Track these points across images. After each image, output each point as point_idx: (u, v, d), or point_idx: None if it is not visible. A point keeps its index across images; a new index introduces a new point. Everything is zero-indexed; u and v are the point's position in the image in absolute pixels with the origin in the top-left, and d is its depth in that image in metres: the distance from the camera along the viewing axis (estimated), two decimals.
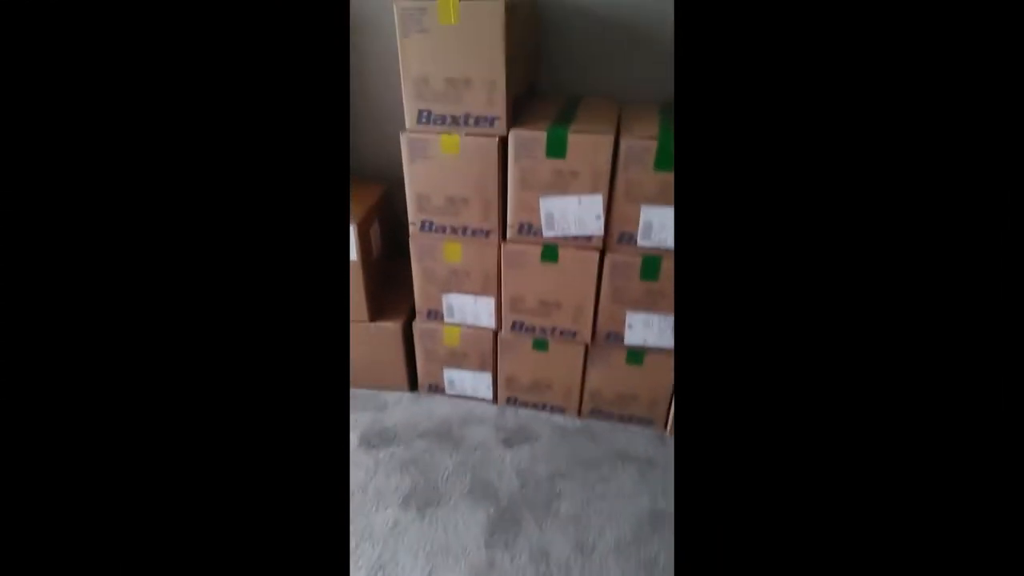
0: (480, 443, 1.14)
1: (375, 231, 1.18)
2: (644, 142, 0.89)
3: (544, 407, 1.22)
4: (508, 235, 1.02)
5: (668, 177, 0.91)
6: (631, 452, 1.13)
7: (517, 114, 0.98)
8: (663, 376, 1.11)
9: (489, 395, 1.23)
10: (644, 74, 1.16)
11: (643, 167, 0.91)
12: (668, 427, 1.17)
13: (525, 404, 1.23)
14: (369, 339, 1.20)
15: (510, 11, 0.86)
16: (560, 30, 1.15)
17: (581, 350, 1.12)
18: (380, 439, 1.15)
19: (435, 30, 0.87)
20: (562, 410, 1.21)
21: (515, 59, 0.92)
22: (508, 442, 1.15)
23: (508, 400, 1.23)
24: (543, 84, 1.20)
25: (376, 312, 1.20)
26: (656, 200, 0.93)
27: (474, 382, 1.22)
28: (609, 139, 0.90)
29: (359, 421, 1.19)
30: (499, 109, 0.91)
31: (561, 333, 1.10)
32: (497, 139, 0.94)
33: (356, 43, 1.22)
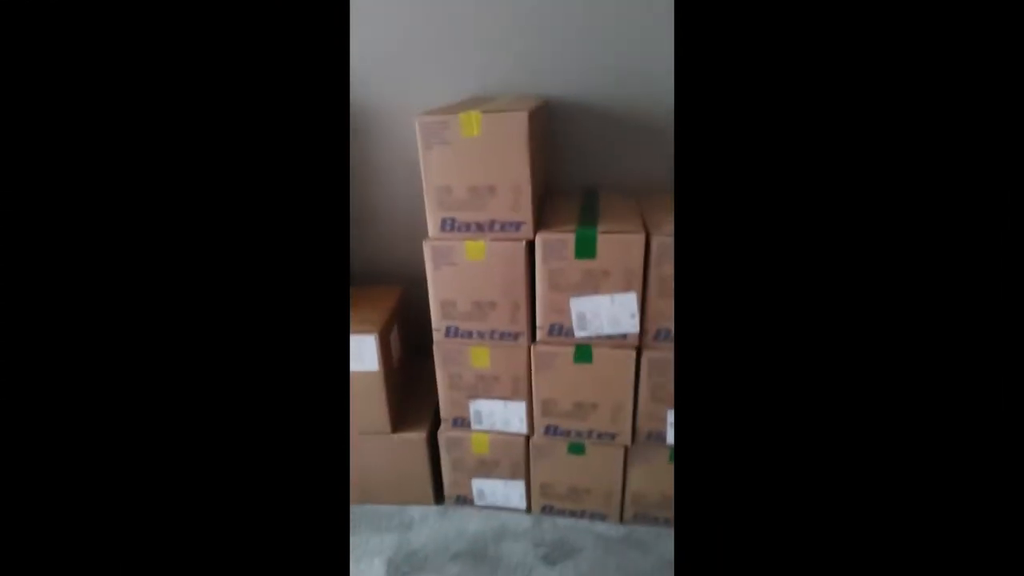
0: (519, 562, 1.05)
1: (395, 337, 1.14)
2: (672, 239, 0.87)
3: (583, 515, 1.13)
4: (538, 337, 0.98)
5: None
6: None
7: (540, 215, 0.96)
8: None
9: (522, 504, 1.15)
10: (653, 163, 1.17)
11: (672, 262, 0.88)
12: None
13: (562, 512, 1.14)
14: (392, 451, 1.12)
15: (531, 119, 0.86)
16: (569, 128, 1.17)
17: (621, 452, 1.05)
18: (410, 565, 1.05)
19: (457, 142, 0.87)
20: (603, 517, 1.12)
21: (536, 163, 0.92)
22: (549, 559, 1.05)
23: (544, 509, 1.14)
24: (556, 180, 1.21)
25: (398, 422, 1.13)
26: None
27: (506, 491, 1.14)
28: (640, 238, 0.88)
29: (385, 544, 1.10)
30: (525, 213, 0.90)
31: (599, 436, 1.04)
32: (524, 242, 0.91)
33: (373, 155, 1.23)
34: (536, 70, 1.13)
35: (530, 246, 0.92)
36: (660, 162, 1.16)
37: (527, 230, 0.91)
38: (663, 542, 1.08)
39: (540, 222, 0.94)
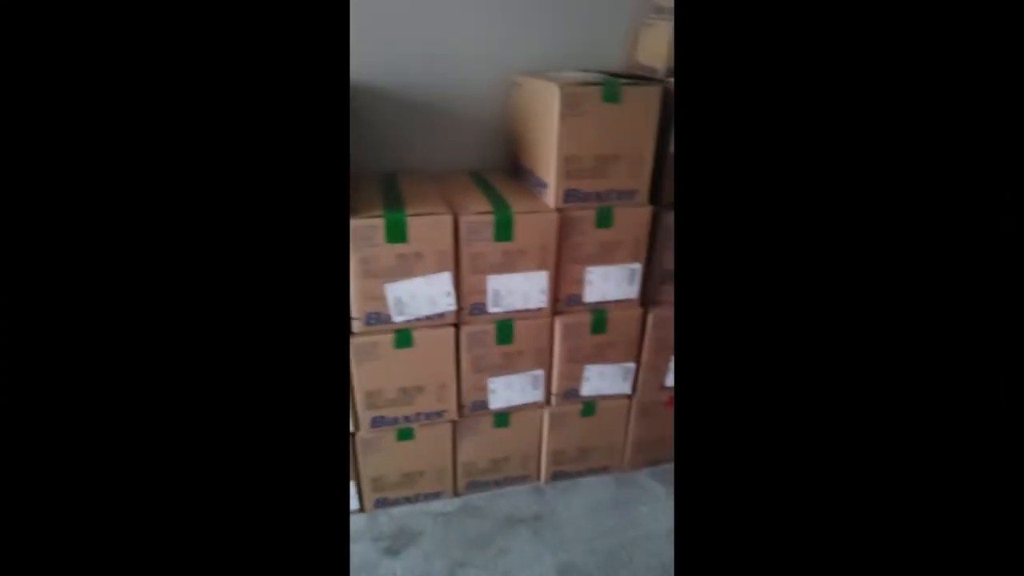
0: (361, 563, 1.01)
1: None
2: (483, 217, 0.92)
3: (418, 498, 1.14)
4: (355, 328, 0.94)
5: (508, 246, 0.95)
6: (517, 514, 1.13)
7: None
8: (531, 432, 1.15)
9: (355, 505, 1.10)
10: (449, 147, 1.21)
11: (484, 240, 0.94)
12: (542, 477, 1.20)
13: (396, 501, 1.13)
14: None
15: None
16: (365, 114, 1.13)
17: (449, 428, 1.09)
18: None
19: None
20: (437, 495, 1.15)
21: None
22: (391, 550, 1.04)
23: (377, 503, 1.12)
24: (354, 166, 1.16)
25: None
26: (499, 269, 0.97)
27: None
28: (449, 218, 0.91)
29: None
30: None
31: (427, 416, 1.05)
32: None
33: None
34: None
35: None
36: (457, 146, 1.21)
37: None
38: (497, 503, 1.15)
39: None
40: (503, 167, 1.23)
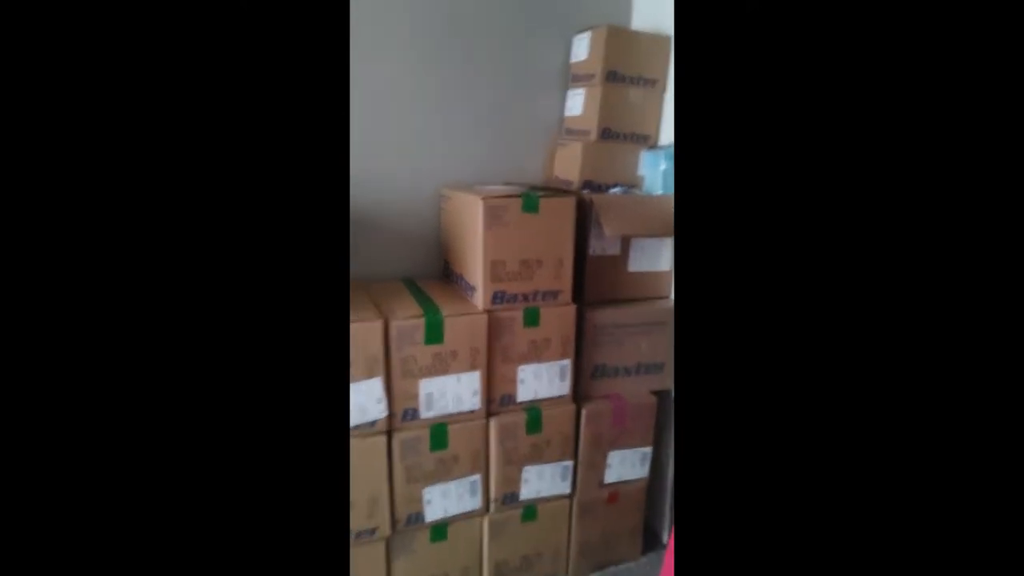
0: None
1: None
2: (412, 321, 0.94)
3: None
4: None
5: (438, 349, 0.96)
6: None
7: None
8: (470, 543, 1.09)
9: None
10: (380, 255, 1.24)
11: (415, 344, 0.95)
12: None
13: None
14: None
15: None
16: None
17: (382, 547, 1.01)
18: None
19: None
20: None
21: None
22: None
23: None
24: None
25: None
26: (431, 372, 0.97)
27: None
28: (378, 324, 0.91)
29: None
30: None
31: (357, 535, 0.98)
32: None
33: None
34: None
35: None
36: (390, 255, 1.24)
37: None
38: None
39: None
40: (435, 274, 1.27)
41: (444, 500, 1.04)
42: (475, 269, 1.00)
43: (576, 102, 1.26)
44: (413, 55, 1.18)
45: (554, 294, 1.03)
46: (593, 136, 1.20)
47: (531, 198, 0.98)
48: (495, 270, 0.98)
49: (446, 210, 1.18)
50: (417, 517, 1.03)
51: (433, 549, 1.06)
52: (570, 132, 1.29)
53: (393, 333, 0.93)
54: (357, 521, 0.97)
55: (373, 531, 0.99)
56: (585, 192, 1.15)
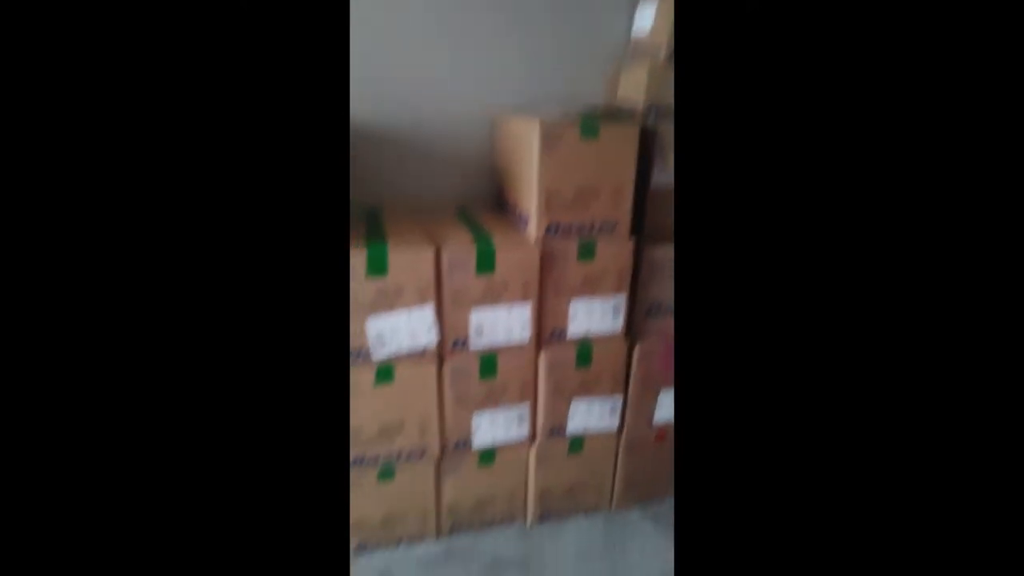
0: None
1: None
2: (464, 250, 0.92)
3: (399, 543, 1.09)
4: None
5: (490, 279, 0.94)
6: (503, 558, 1.08)
7: None
8: (516, 471, 1.11)
9: None
10: (431, 182, 1.21)
11: (466, 273, 0.93)
12: (529, 519, 1.16)
13: (377, 547, 1.08)
14: None
15: None
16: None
17: (431, 467, 1.05)
18: None
19: None
20: (420, 538, 1.10)
21: None
22: None
23: (358, 548, 1.07)
24: None
25: None
26: (482, 303, 0.96)
27: None
28: (431, 250, 0.90)
29: None
30: None
31: (408, 455, 1.02)
32: None
33: None
34: None
35: None
36: (443, 182, 1.22)
37: None
38: (483, 546, 1.11)
39: None
40: (489, 202, 1.24)
41: (492, 428, 1.05)
42: (529, 198, 0.95)
43: (646, 16, 1.15)
44: None
45: (611, 226, 0.98)
46: (663, 54, 1.10)
47: (590, 123, 0.91)
48: (550, 199, 0.93)
49: (501, 136, 1.13)
50: (465, 442, 1.05)
51: (481, 473, 1.09)
52: (637, 52, 1.19)
53: (445, 262, 0.92)
54: (408, 442, 1.01)
55: (423, 452, 1.03)
56: (650, 120, 1.07)
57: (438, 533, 1.12)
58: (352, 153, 1.14)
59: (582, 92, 1.23)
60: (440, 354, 0.98)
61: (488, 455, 1.08)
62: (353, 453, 0.99)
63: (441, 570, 1.05)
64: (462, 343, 0.98)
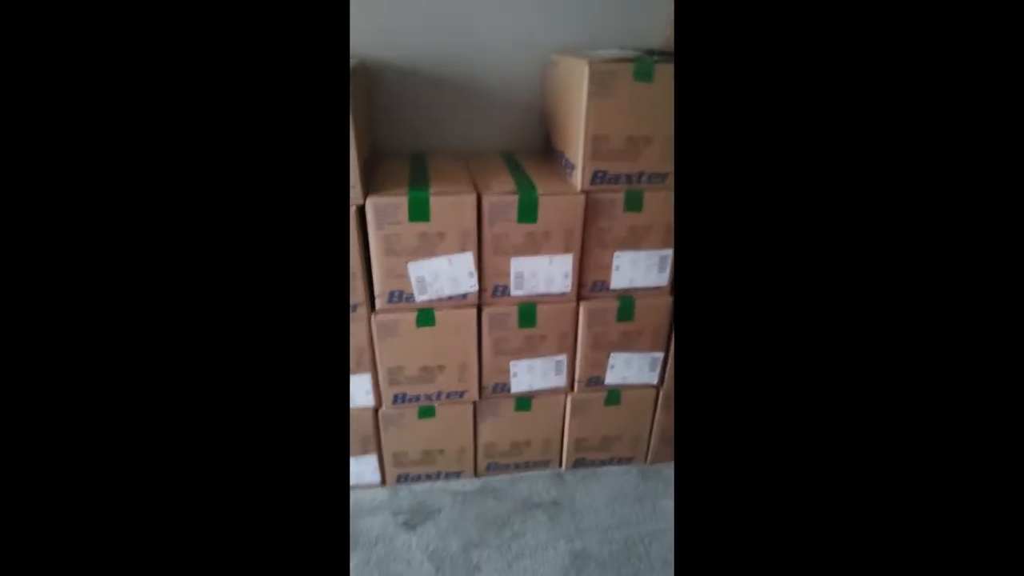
0: (379, 534, 1.03)
1: None
2: (506, 198, 0.91)
3: (438, 476, 1.15)
4: (377, 305, 0.96)
5: (532, 228, 0.93)
6: (535, 498, 1.12)
7: (369, 180, 0.93)
8: (552, 417, 1.13)
9: (376, 479, 1.13)
10: (478, 128, 1.19)
11: (508, 221, 0.92)
12: (564, 464, 1.19)
13: (417, 478, 1.15)
14: None
15: (352, 76, 0.81)
16: (391, 90, 1.13)
17: (469, 408, 1.09)
18: None
19: None
20: (458, 474, 1.16)
21: (359, 124, 0.88)
22: (409, 524, 1.06)
23: (399, 478, 1.14)
24: (384, 145, 1.17)
25: None
26: (523, 251, 0.95)
27: (358, 468, 1.11)
28: (472, 198, 0.90)
29: None
30: (352, 177, 0.86)
31: (448, 396, 1.06)
32: (354, 207, 0.88)
33: None
34: (358, 31, 1.07)
35: (361, 211, 0.89)
36: (491, 127, 1.19)
37: (357, 194, 0.87)
38: (516, 486, 1.15)
39: (369, 186, 0.91)
40: (538, 149, 1.21)
41: (529, 375, 1.07)
42: (576, 144, 0.92)
43: None
44: None
45: (661, 177, 0.94)
46: None
47: (645, 64, 0.86)
48: (597, 146, 0.90)
49: (552, 78, 1.09)
50: (503, 387, 1.08)
51: (517, 417, 1.12)
52: None
53: (486, 208, 0.91)
54: (448, 383, 1.04)
55: (462, 393, 1.06)
56: None
57: (475, 471, 1.17)
58: (399, 95, 1.14)
59: (641, 34, 1.15)
60: (480, 301, 0.99)
61: (525, 401, 1.10)
62: (395, 390, 1.03)
63: (475, 503, 1.11)
64: (502, 291, 0.98)
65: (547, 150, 1.15)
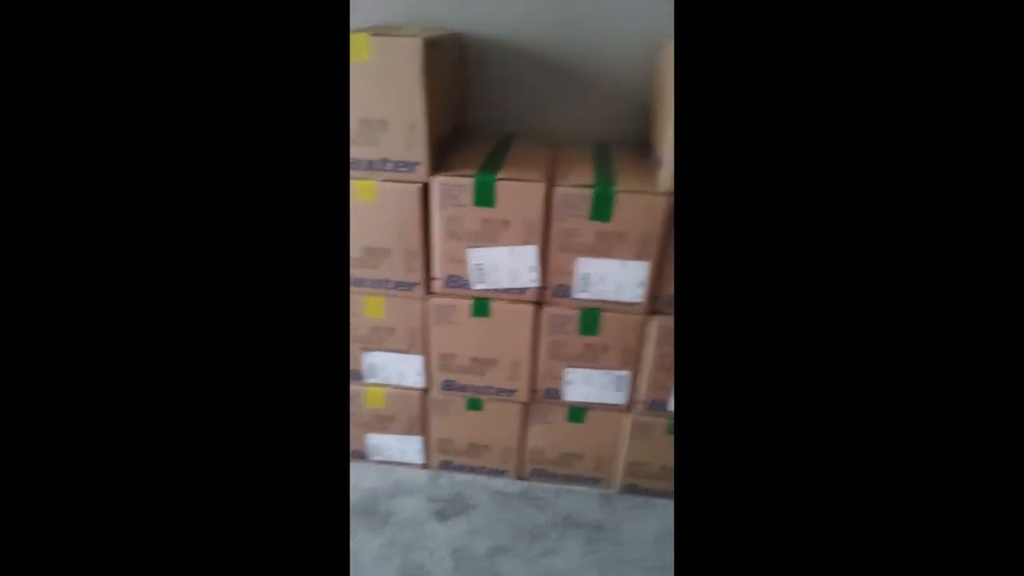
0: (410, 518, 1.02)
1: None
2: (579, 191, 0.83)
3: (482, 470, 1.12)
4: (435, 288, 0.93)
5: (604, 227, 0.84)
6: (578, 517, 1.04)
7: (441, 158, 0.90)
8: (608, 435, 1.04)
9: (419, 460, 1.12)
10: (578, 113, 1.11)
11: (579, 217, 0.84)
12: (616, 485, 1.10)
13: (461, 468, 1.12)
14: None
15: (429, 49, 0.78)
16: (490, 68, 1.09)
17: (519, 409, 1.03)
18: None
19: None
20: (501, 473, 1.11)
21: (438, 100, 0.84)
22: (442, 514, 1.03)
23: (442, 465, 1.12)
24: (473, 123, 1.13)
25: None
26: (592, 252, 0.87)
27: (402, 447, 1.10)
28: (541, 187, 0.83)
29: None
30: (419, 153, 0.83)
31: (497, 392, 1.01)
32: (419, 185, 0.85)
33: None
34: (463, 3, 1.04)
35: (426, 190, 0.86)
36: (590, 113, 1.11)
37: (422, 172, 0.84)
38: (561, 498, 1.08)
39: (440, 164, 0.87)
40: (639, 142, 1.10)
41: (586, 386, 0.99)
42: (666, 139, 0.81)
43: None
44: None
45: None
46: None
47: None
48: None
49: (659, 65, 0.97)
50: (556, 393, 1.00)
51: (569, 428, 1.04)
52: None
53: (556, 200, 0.84)
54: (498, 379, 0.99)
55: (512, 392, 1.01)
56: None
57: (519, 474, 1.11)
58: (497, 73, 1.09)
59: None
60: (540, 299, 0.92)
61: (579, 412, 1.02)
62: (445, 376, 1.01)
63: (513, 507, 1.06)
64: (564, 291, 0.91)
65: (646, 144, 1.04)
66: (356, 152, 0.84)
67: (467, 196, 0.84)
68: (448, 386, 1.02)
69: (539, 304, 0.93)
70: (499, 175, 0.83)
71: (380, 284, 0.93)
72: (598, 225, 0.85)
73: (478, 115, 1.13)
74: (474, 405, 1.04)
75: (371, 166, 0.84)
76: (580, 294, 0.91)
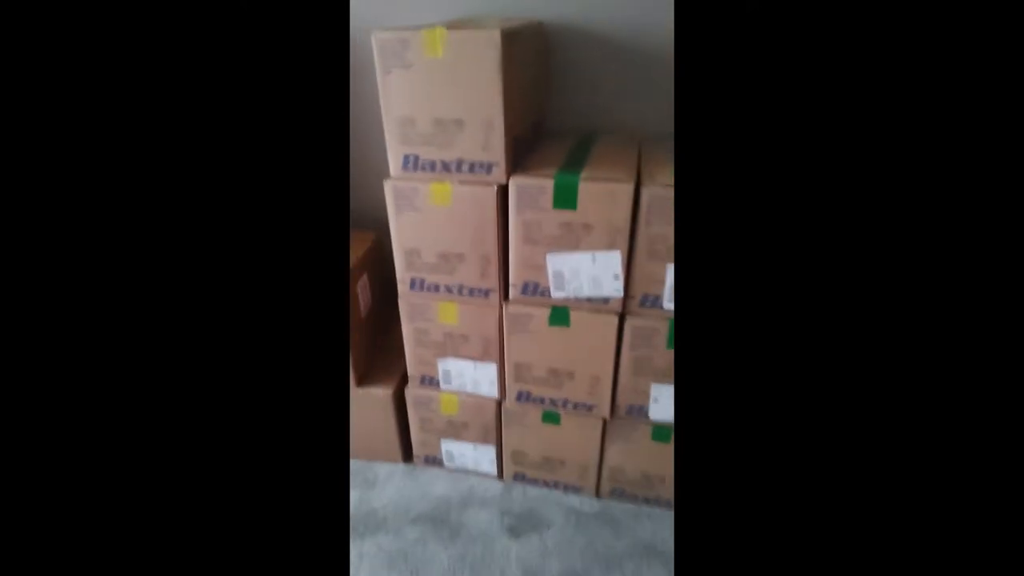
0: (481, 532, 0.99)
1: (363, 284, 1.05)
2: (669, 191, 0.74)
3: (556, 485, 1.06)
4: (510, 295, 0.88)
5: None
6: (659, 545, 0.96)
7: (519, 158, 0.84)
8: None
9: (493, 470, 1.08)
10: (667, 107, 1.01)
11: (668, 221, 0.76)
12: None
13: (535, 481, 1.07)
14: (356, 406, 1.06)
15: (508, 41, 0.72)
16: (573, 60, 1.02)
17: (599, 425, 0.96)
18: (366, 525, 1.00)
19: (420, 65, 0.74)
20: (577, 489, 1.05)
21: (516, 95, 0.79)
22: (515, 531, 0.99)
23: (516, 476, 1.07)
24: (553, 119, 1.07)
25: (364, 376, 1.06)
26: None
27: (476, 455, 1.07)
28: (627, 188, 0.75)
29: None
30: (496, 153, 0.78)
31: (575, 406, 0.95)
32: (495, 187, 0.80)
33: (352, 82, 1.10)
34: None
35: (503, 192, 0.81)
36: (668, 106, 1.01)
37: (499, 173, 0.79)
38: (640, 523, 1.00)
39: (517, 165, 0.82)
40: None
41: (673, 404, 0.90)
42: None
43: None
44: None
45: None
46: None
47: None
48: None
49: None
50: (640, 410, 0.93)
51: (653, 447, 0.96)
52: None
53: (644, 202, 0.76)
54: (577, 393, 0.93)
55: (591, 407, 0.94)
56: None
57: (597, 492, 1.05)
58: (582, 65, 1.02)
59: None
60: (624, 309, 0.85)
61: (664, 432, 0.94)
62: (520, 387, 0.96)
63: (589, 528, 0.99)
64: (652, 301, 0.83)
65: None
66: (430, 153, 0.80)
67: (546, 198, 0.78)
68: (523, 397, 0.97)
69: (623, 315, 0.85)
70: (581, 175, 0.77)
71: (454, 290, 0.90)
72: None
73: (558, 110, 1.06)
74: (550, 418, 0.98)
75: (446, 168, 0.81)
76: (670, 305, 0.82)
